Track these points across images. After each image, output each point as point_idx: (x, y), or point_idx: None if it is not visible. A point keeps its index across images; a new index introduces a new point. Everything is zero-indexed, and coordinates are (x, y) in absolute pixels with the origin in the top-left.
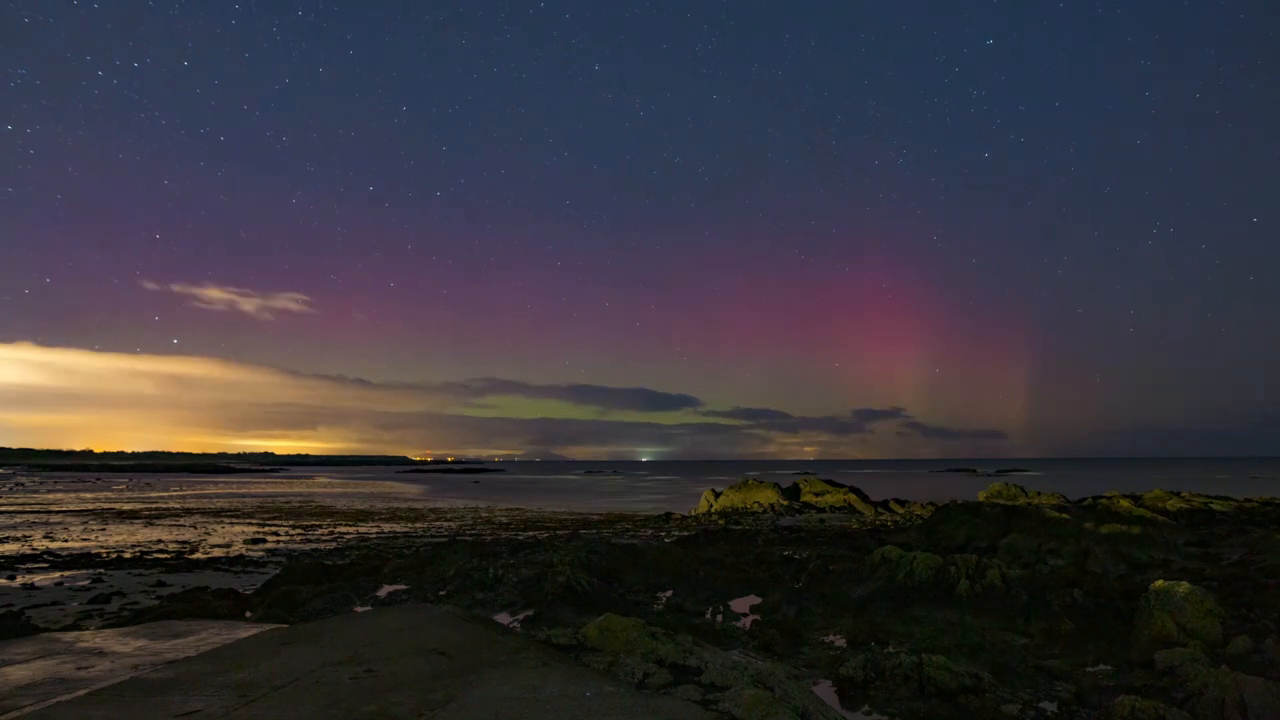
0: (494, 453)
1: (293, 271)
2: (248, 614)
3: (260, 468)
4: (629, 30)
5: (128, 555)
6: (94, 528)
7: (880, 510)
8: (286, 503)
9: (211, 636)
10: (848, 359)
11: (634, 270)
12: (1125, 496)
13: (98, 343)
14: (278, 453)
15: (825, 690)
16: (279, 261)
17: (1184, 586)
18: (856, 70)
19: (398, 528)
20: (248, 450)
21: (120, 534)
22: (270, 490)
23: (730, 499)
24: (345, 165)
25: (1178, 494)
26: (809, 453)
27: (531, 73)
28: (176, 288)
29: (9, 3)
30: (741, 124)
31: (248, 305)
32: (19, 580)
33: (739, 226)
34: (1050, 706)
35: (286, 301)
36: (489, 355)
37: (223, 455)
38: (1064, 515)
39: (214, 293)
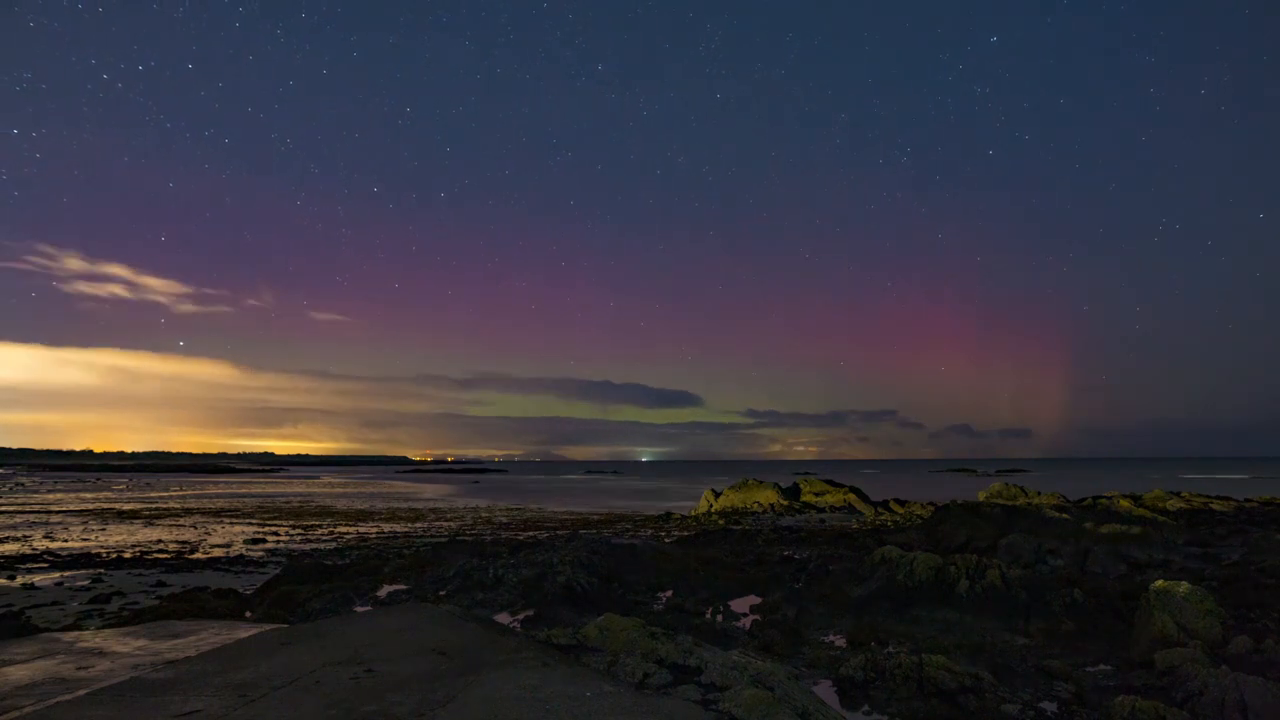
0: (494, 452)
1: (297, 273)
2: (248, 614)
3: (260, 468)
4: (632, 30)
5: (128, 555)
6: (94, 528)
7: (880, 510)
8: (286, 503)
9: (211, 636)
10: (850, 358)
11: (637, 269)
12: (1125, 496)
13: (99, 343)
14: (278, 453)
15: (825, 690)
16: (284, 263)
17: (1184, 586)
18: (860, 68)
19: (398, 528)
20: (248, 450)
21: (120, 534)
22: (270, 490)
23: (730, 499)
24: (349, 167)
25: (1178, 494)
26: (809, 453)
27: (535, 73)
28: (181, 289)
29: (14, 7)
30: (745, 123)
31: (252, 306)
32: (19, 580)
33: (743, 225)
34: (1050, 706)
35: (292, 302)
36: (494, 355)
37: (223, 455)
38: (1064, 515)
39: (218, 293)
